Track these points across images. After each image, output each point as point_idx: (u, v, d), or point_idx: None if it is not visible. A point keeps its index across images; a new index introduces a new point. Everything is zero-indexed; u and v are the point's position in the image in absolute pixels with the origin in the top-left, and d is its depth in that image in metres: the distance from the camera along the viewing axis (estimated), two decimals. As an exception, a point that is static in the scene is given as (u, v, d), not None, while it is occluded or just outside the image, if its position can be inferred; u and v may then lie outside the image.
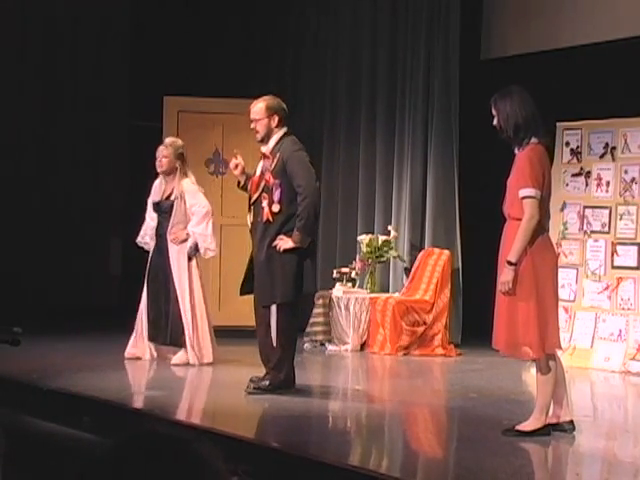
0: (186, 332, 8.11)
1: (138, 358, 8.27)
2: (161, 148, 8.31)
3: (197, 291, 8.29)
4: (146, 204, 8.47)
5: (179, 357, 8.14)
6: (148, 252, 8.42)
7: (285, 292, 6.68)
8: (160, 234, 8.30)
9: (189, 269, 8.26)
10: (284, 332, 6.72)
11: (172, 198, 8.27)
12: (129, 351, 8.32)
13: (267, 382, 6.76)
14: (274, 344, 6.72)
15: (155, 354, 8.32)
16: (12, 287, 10.74)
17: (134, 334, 8.31)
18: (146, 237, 8.43)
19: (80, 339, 9.34)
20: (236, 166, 6.99)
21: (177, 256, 8.22)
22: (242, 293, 7.02)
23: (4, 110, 11.33)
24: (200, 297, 8.28)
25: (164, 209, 8.28)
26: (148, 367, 8.09)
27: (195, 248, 8.30)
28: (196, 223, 8.25)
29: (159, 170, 8.30)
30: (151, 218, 8.40)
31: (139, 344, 8.32)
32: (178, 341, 8.15)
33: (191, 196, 8.31)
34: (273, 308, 6.71)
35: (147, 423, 5.56)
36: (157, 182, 8.42)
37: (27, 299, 10.72)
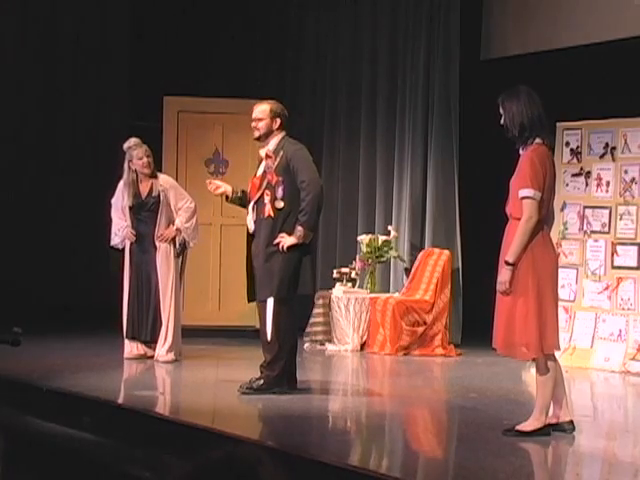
0: (163, 329, 8.20)
1: (137, 357, 8.29)
2: (144, 149, 8.23)
3: (179, 288, 8.36)
4: (110, 205, 8.41)
5: (164, 354, 8.21)
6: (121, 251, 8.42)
7: (281, 287, 6.70)
8: (142, 233, 8.28)
9: (176, 266, 8.31)
10: (279, 327, 6.72)
11: (154, 195, 8.27)
12: (128, 351, 8.33)
13: (261, 382, 6.77)
14: (268, 339, 6.73)
15: (142, 351, 8.35)
16: (12, 287, 10.73)
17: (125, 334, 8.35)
18: (116, 238, 8.41)
19: (80, 339, 9.35)
20: (210, 184, 7.10)
21: (165, 253, 8.25)
22: (250, 300, 7.01)
23: (4, 110, 11.33)
24: (180, 294, 8.39)
25: (149, 207, 8.25)
26: (148, 367, 8.09)
27: (183, 245, 8.33)
28: (186, 219, 8.29)
29: (147, 171, 8.23)
30: (120, 218, 8.34)
31: (126, 343, 8.36)
32: (156, 338, 8.26)
33: (175, 191, 8.35)
34: (269, 302, 6.73)
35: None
36: (122, 184, 8.31)
37: (27, 299, 10.71)
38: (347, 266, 10.04)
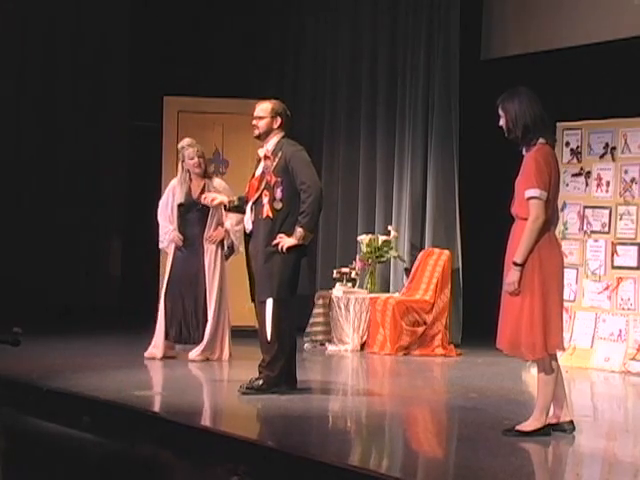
0: (209, 330, 8.25)
1: (155, 358, 8.29)
2: (195, 149, 8.34)
3: (226, 290, 8.41)
4: (157, 207, 8.48)
5: (197, 353, 8.24)
6: (156, 252, 8.44)
7: (281, 288, 6.70)
8: (189, 235, 8.34)
9: (223, 268, 8.37)
10: (278, 328, 6.72)
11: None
12: (150, 351, 8.33)
13: (260, 382, 6.77)
14: (268, 338, 6.73)
15: (172, 353, 8.37)
16: (12, 287, 10.74)
17: (157, 334, 8.34)
18: (164, 241, 8.46)
19: (80, 339, 9.35)
20: (204, 199, 7.16)
21: (213, 255, 8.32)
22: (254, 299, 7.02)
23: (4, 111, 11.33)
24: (227, 296, 8.43)
25: (199, 207, 8.29)
26: (148, 367, 8.09)
27: (231, 248, 8.38)
28: (236, 222, 8.32)
29: (198, 170, 8.36)
30: (169, 221, 8.39)
31: (159, 344, 8.34)
32: (201, 339, 8.29)
33: (227, 195, 8.40)
34: (269, 302, 6.73)
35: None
36: (175, 183, 8.43)
37: (27, 299, 10.72)
38: (347, 266, 10.04)
